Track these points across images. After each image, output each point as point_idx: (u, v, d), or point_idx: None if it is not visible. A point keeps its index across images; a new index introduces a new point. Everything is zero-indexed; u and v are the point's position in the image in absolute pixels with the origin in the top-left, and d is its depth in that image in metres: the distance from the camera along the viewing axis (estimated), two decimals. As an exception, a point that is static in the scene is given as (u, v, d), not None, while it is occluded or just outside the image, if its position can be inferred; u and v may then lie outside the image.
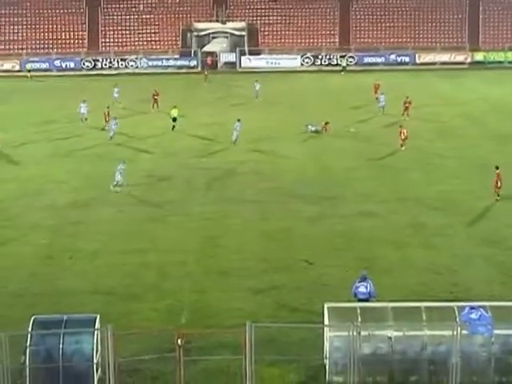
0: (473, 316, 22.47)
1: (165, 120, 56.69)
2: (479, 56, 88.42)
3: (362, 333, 22.10)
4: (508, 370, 22.50)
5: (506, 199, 38.91)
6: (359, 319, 22.40)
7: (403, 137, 49.49)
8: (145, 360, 22.74)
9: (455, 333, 21.99)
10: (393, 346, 22.38)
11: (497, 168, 39.31)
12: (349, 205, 38.91)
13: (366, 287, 25.57)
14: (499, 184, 38.92)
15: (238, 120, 51.55)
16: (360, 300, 25.16)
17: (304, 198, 40.09)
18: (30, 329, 22.11)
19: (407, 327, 22.42)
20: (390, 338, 22.41)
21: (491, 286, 28.95)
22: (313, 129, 54.38)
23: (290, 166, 46.77)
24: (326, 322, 22.90)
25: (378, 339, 22.40)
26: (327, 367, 22.65)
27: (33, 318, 22.47)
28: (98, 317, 22.60)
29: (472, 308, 22.62)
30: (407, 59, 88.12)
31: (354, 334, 21.93)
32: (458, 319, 22.36)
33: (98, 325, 22.35)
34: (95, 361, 21.95)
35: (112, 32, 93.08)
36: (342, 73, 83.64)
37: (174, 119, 55.33)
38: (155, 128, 56.45)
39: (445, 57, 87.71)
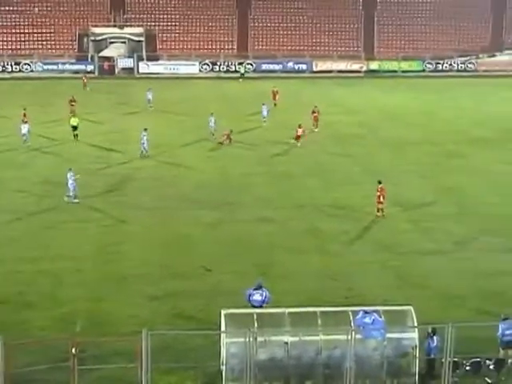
0: (366, 320, 22.92)
1: (64, 126, 55.60)
2: (374, 65, 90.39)
3: (259, 339, 22.24)
4: (400, 372, 23.02)
5: (399, 205, 39.82)
6: (256, 325, 22.53)
7: (296, 135, 52.04)
8: (38, 370, 22.30)
9: (349, 337, 22.36)
10: (289, 351, 22.59)
11: (379, 182, 38.28)
12: (247, 211, 39.11)
13: (262, 295, 25.76)
14: (382, 199, 37.79)
15: (145, 129, 49.93)
16: (255, 307, 25.28)
17: (202, 204, 40.09)
18: None
19: (303, 332, 22.67)
20: (286, 343, 22.61)
21: (385, 291, 29.52)
22: (212, 124, 54.43)
23: (187, 172, 46.69)
24: (223, 328, 22.94)
25: (275, 345, 22.59)
26: (224, 373, 22.69)
27: None
28: (-11, 327, 22.04)
29: (366, 312, 23.07)
30: (304, 67, 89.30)
31: (251, 339, 22.04)
32: (352, 324, 22.75)
33: (-12, 335, 21.77)
34: (-15, 372, 21.39)
35: (5, 35, 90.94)
36: (240, 80, 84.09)
37: (75, 128, 54.06)
38: (54, 134, 55.36)
39: (341, 65, 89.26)
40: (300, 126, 52.68)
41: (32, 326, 26.20)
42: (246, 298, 25.90)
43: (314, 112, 57.64)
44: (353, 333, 22.40)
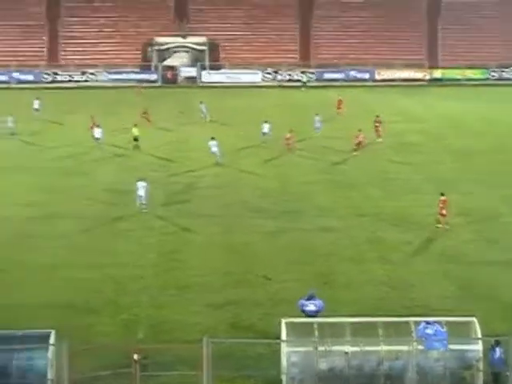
0: (428, 331, 22.65)
1: (127, 134, 56.12)
2: (438, 73, 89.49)
3: (319, 348, 22.15)
4: (462, 384, 22.75)
5: (464, 215, 39.27)
6: (316, 334, 22.45)
7: (357, 141, 51.81)
8: (101, 376, 22.55)
9: (411, 348, 22.13)
10: (350, 361, 22.45)
11: (442, 194, 37.48)
12: (308, 219, 39.03)
13: (316, 305, 25.59)
14: (444, 212, 36.90)
15: (212, 138, 50.29)
16: (309, 317, 25.11)
17: (264, 213, 40.15)
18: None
19: (364, 342, 22.52)
20: (346, 353, 22.48)
21: (448, 301, 29.16)
22: (266, 130, 55.46)
23: (248, 180, 46.86)
24: (284, 337, 22.90)
25: (335, 354, 22.47)
26: (284, 382, 22.62)
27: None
28: (53, 332, 22.34)
29: (428, 323, 22.81)
30: (367, 75, 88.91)
31: (311, 349, 21.96)
32: (414, 334, 22.52)
33: (52, 340, 22.09)
34: (50, 377, 21.69)
35: (72, 45, 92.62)
36: (303, 88, 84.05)
37: (136, 139, 54.53)
38: (118, 141, 56.02)
39: (404, 73, 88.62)
40: (360, 131, 52.71)
41: (95, 332, 26.52)
42: (299, 308, 25.76)
43: (376, 122, 57.17)
44: (415, 344, 22.17)
